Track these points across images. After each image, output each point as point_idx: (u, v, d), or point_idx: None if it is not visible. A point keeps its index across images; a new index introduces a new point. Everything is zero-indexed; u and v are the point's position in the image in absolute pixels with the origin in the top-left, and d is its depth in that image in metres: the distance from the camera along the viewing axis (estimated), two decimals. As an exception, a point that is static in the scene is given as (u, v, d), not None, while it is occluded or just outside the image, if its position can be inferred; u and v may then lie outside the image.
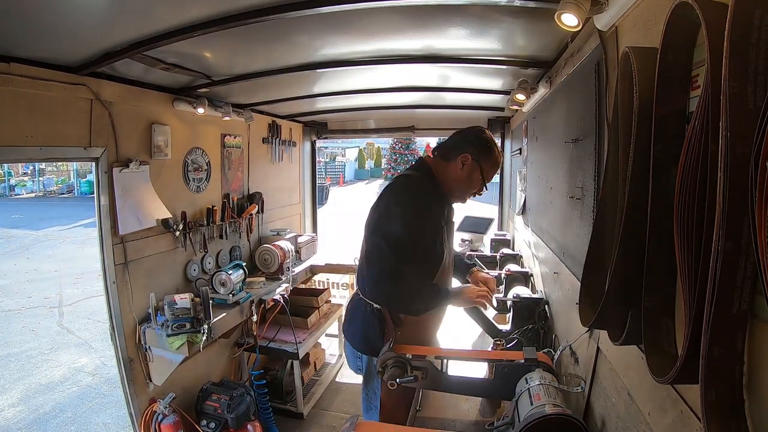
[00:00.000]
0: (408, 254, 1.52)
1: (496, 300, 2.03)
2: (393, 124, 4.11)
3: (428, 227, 1.60)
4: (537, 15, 1.46)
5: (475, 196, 1.75)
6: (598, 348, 1.26)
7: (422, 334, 1.72)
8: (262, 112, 3.40)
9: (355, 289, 1.78)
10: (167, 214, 2.37)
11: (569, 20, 1.15)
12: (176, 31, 1.54)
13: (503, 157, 1.74)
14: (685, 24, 0.69)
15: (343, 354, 2.37)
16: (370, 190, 20.92)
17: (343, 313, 2.03)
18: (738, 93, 0.51)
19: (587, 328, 1.13)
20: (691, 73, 0.74)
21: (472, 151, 1.65)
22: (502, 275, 2.42)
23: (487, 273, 1.90)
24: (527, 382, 1.26)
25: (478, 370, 1.71)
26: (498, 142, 4.08)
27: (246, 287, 2.83)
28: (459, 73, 2.43)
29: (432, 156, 1.75)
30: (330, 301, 3.83)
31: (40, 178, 20.56)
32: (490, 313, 2.25)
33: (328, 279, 4.26)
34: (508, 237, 3.48)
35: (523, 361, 1.34)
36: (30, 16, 1.35)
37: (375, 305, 1.64)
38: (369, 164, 29.07)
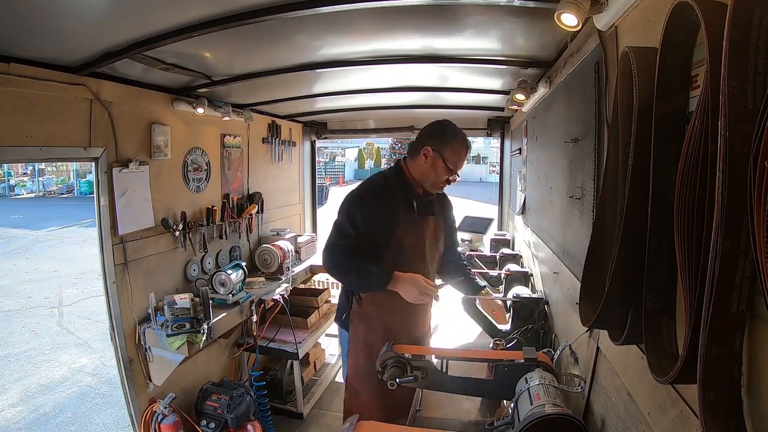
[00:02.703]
0: (350, 237, 1.71)
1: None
2: (393, 124, 4.10)
3: (376, 217, 1.72)
4: (537, 15, 1.46)
5: (449, 183, 1.84)
6: (597, 348, 1.26)
7: (384, 312, 1.79)
8: (261, 112, 3.39)
9: None
10: (151, 223, 2.35)
11: (569, 20, 1.15)
12: (176, 31, 1.54)
13: (467, 142, 1.83)
14: (684, 24, 0.69)
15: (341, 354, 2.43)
16: (370, 190, 20.90)
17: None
18: (737, 93, 0.51)
19: (587, 328, 1.13)
20: (691, 73, 0.74)
21: (431, 143, 1.77)
22: (502, 275, 2.42)
23: (494, 297, 1.94)
24: (527, 382, 1.26)
25: (478, 370, 1.71)
26: (498, 142, 4.09)
27: (246, 287, 2.83)
28: (459, 73, 2.42)
29: (405, 156, 1.89)
30: (330, 301, 3.82)
31: (40, 178, 20.55)
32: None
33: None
34: (508, 237, 3.48)
35: (522, 361, 1.34)
36: (30, 16, 1.35)
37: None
38: (369, 164, 29.07)
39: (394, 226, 1.73)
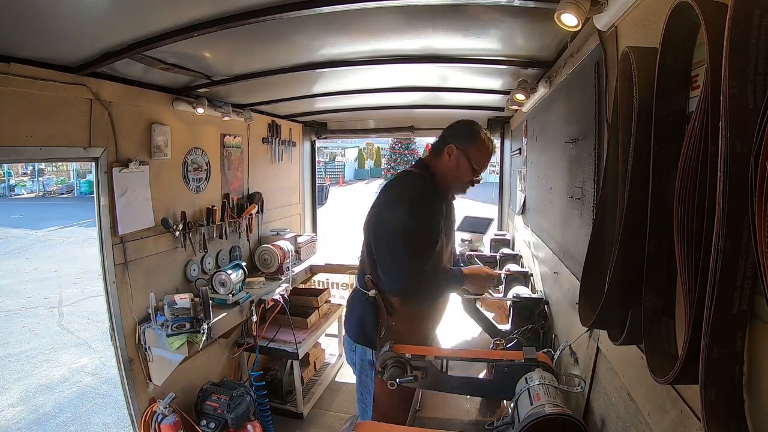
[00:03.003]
0: (421, 249, 1.61)
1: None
2: (392, 124, 4.11)
3: (431, 222, 1.67)
4: (537, 15, 1.46)
5: (472, 185, 1.80)
6: (597, 348, 1.25)
7: (416, 325, 1.75)
8: (261, 112, 3.39)
9: (355, 285, 1.85)
10: (151, 223, 2.35)
11: (569, 20, 1.15)
12: (176, 31, 1.54)
13: (492, 143, 1.79)
14: (684, 24, 0.69)
15: (343, 354, 2.41)
16: (370, 190, 20.92)
17: (344, 308, 2.11)
18: (738, 93, 0.51)
19: (587, 328, 1.13)
20: (691, 73, 0.74)
21: (455, 141, 1.72)
22: (502, 275, 2.41)
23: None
24: (527, 382, 1.25)
25: (478, 370, 1.71)
26: (498, 142, 4.09)
27: (246, 287, 2.83)
28: (458, 73, 2.42)
29: (428, 155, 1.83)
30: (330, 301, 3.83)
31: (40, 178, 20.56)
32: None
33: (327, 279, 4.26)
34: (508, 237, 3.48)
35: (523, 361, 1.34)
36: (30, 16, 1.35)
37: (370, 294, 1.71)
38: (369, 164, 29.10)
39: (438, 232, 1.69)
